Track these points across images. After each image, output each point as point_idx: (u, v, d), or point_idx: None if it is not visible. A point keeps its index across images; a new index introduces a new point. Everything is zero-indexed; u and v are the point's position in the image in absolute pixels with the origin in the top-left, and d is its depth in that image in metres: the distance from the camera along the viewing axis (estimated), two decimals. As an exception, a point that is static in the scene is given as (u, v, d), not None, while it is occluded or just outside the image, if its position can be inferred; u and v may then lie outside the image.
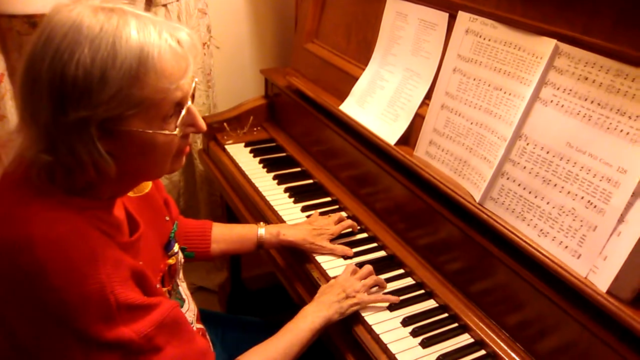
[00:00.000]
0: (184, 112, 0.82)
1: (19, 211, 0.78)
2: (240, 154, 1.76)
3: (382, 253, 1.35)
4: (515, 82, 1.10)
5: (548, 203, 1.02)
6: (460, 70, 1.22)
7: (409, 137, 1.36)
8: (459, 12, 1.21)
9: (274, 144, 1.83)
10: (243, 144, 1.82)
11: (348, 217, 1.46)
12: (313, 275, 1.28)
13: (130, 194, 1.02)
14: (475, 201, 1.14)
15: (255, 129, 1.91)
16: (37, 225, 0.76)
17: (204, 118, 1.87)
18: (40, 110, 0.74)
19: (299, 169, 1.69)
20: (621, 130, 0.92)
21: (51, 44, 0.72)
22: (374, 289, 1.21)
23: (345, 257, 1.32)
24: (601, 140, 0.95)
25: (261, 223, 1.36)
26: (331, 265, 1.29)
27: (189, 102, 0.84)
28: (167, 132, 0.80)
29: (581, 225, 0.96)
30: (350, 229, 1.39)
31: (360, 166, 1.48)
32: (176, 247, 1.14)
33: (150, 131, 0.78)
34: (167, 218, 1.14)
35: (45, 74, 0.72)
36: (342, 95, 1.57)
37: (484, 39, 1.17)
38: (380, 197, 1.42)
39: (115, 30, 0.73)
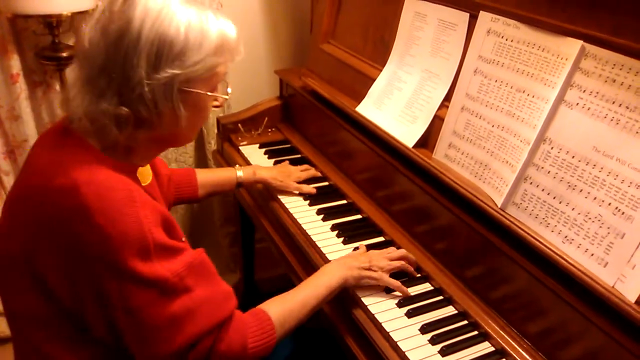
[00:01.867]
0: (224, 86, 0.99)
1: (65, 163, 0.87)
2: (255, 155, 1.75)
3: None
4: (539, 84, 1.07)
5: (573, 209, 0.99)
6: (481, 72, 1.19)
7: (427, 140, 1.34)
8: (481, 12, 1.18)
9: (288, 146, 1.81)
10: (257, 145, 1.81)
11: (363, 219, 1.44)
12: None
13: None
14: (497, 206, 1.11)
15: (270, 130, 1.90)
16: (80, 172, 0.85)
17: (218, 119, 1.88)
18: (135, 66, 0.84)
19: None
20: (651, 135, 0.89)
21: (150, 11, 0.84)
22: None
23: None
24: (629, 145, 0.91)
25: (237, 165, 1.55)
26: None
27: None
28: (223, 95, 0.98)
29: (608, 233, 0.93)
30: (313, 174, 1.60)
31: (376, 168, 1.46)
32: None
33: (210, 94, 0.93)
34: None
35: (146, 35, 0.83)
36: (359, 97, 1.54)
37: (506, 39, 1.14)
38: (397, 200, 1.40)
39: (199, 11, 0.88)
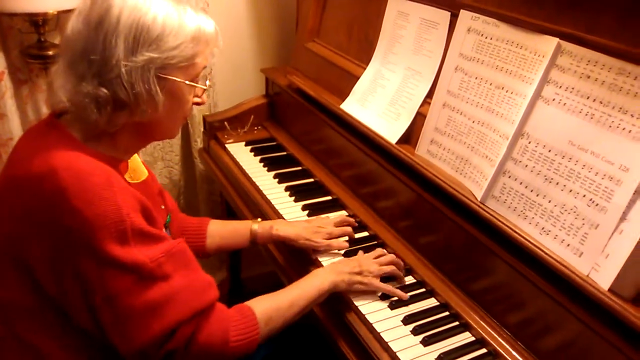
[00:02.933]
0: (203, 80, 1.02)
1: (45, 151, 0.89)
2: (241, 153, 1.76)
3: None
4: (518, 80, 1.10)
5: (550, 201, 1.02)
6: (462, 69, 1.22)
7: (410, 136, 1.36)
8: (461, 10, 1.21)
9: (274, 143, 1.83)
10: (244, 143, 1.82)
11: (349, 215, 1.46)
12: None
13: (129, 179, 1.08)
14: (477, 200, 1.14)
15: (256, 128, 1.91)
16: (59, 158, 0.87)
17: (205, 117, 1.89)
18: (113, 48, 0.87)
19: (299, 168, 1.69)
20: (623, 129, 0.92)
21: (129, 1, 0.88)
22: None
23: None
24: (603, 139, 0.95)
25: (258, 219, 1.36)
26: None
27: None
28: (200, 85, 0.99)
29: (583, 224, 0.96)
30: (348, 233, 1.36)
31: (361, 165, 1.48)
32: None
33: (188, 82, 0.95)
34: (163, 207, 1.19)
35: (125, 19, 0.87)
36: (343, 94, 1.57)
37: (486, 37, 1.17)
38: (381, 196, 1.42)
39: (177, 4, 0.91)
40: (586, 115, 0.98)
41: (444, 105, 1.26)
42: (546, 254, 0.99)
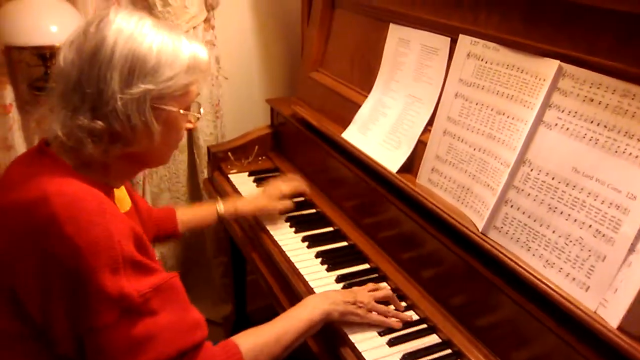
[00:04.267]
0: (196, 108, 1.02)
1: (37, 178, 0.88)
2: (244, 184, 1.73)
3: (384, 285, 1.29)
4: (519, 105, 1.05)
5: (554, 232, 0.96)
6: (462, 95, 1.18)
7: (412, 165, 1.32)
8: (460, 35, 1.18)
9: (277, 174, 1.80)
10: (247, 173, 1.80)
11: (349, 246, 1.42)
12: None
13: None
14: (478, 231, 1.08)
15: (260, 158, 1.89)
16: (51, 185, 0.86)
17: (209, 147, 1.88)
18: (108, 80, 0.86)
19: (302, 199, 1.65)
20: (630, 154, 0.86)
21: (123, 30, 0.87)
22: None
23: (329, 269, 1.33)
24: (609, 165, 0.89)
25: (218, 199, 1.52)
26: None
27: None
28: (195, 114, 1.00)
29: (589, 256, 0.90)
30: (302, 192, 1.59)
31: (363, 195, 1.44)
32: None
33: (183, 111, 0.94)
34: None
35: (119, 51, 0.86)
36: (347, 124, 1.54)
37: (486, 62, 1.13)
38: (383, 226, 1.37)
39: (171, 32, 0.92)
40: (590, 140, 0.92)
41: (444, 132, 1.22)
42: (551, 288, 0.93)
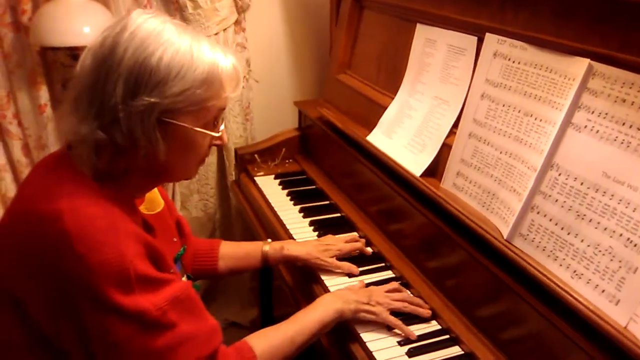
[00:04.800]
0: (222, 123, 0.95)
1: (53, 190, 0.85)
2: (269, 186, 1.72)
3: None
4: (547, 107, 1.00)
5: (582, 241, 0.90)
6: (488, 96, 1.14)
7: (436, 168, 1.27)
8: (487, 34, 1.13)
9: (304, 177, 1.78)
10: (273, 175, 1.79)
11: (372, 253, 1.38)
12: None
13: (144, 210, 1.06)
14: (502, 238, 1.03)
15: (287, 161, 1.88)
16: (64, 199, 0.83)
17: (236, 149, 1.88)
18: (112, 91, 0.82)
19: (327, 202, 1.63)
20: (665, 158, 0.80)
21: (136, 37, 0.83)
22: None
23: (351, 276, 1.29)
24: (642, 170, 0.83)
25: (269, 240, 1.35)
26: (336, 284, 1.25)
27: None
28: (211, 132, 0.91)
29: (620, 267, 0.84)
30: (359, 251, 1.37)
31: (387, 200, 1.40)
32: (183, 275, 1.14)
33: (198, 129, 0.88)
34: (175, 239, 1.16)
35: (127, 61, 0.82)
36: (372, 127, 1.50)
37: (513, 61, 1.08)
38: (407, 233, 1.33)
39: (192, 41, 0.86)
40: (622, 143, 0.86)
41: (470, 135, 1.17)
42: (578, 301, 0.87)
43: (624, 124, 0.86)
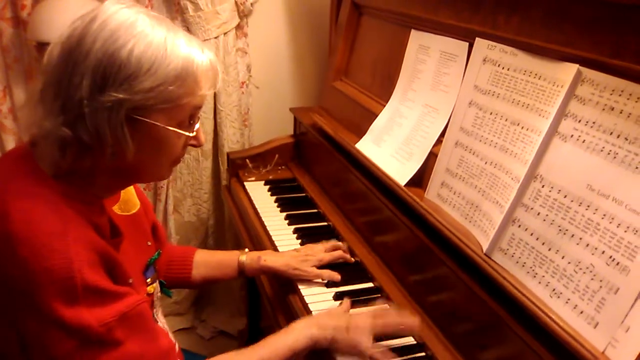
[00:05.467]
0: (197, 122, 0.89)
1: (5, 187, 0.80)
2: (257, 191, 1.68)
3: (385, 306, 1.19)
4: (534, 115, 0.95)
5: (563, 257, 0.84)
6: (476, 104, 1.08)
7: (422, 178, 1.22)
8: (477, 39, 1.08)
9: (294, 184, 1.74)
10: (263, 181, 1.74)
11: (355, 263, 1.32)
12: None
13: (118, 211, 1.01)
14: (482, 252, 0.97)
15: (280, 168, 1.84)
16: (18, 198, 0.78)
17: (228, 153, 1.84)
18: (78, 84, 0.76)
19: (314, 211, 1.58)
20: (652, 171, 0.74)
21: (106, 28, 0.77)
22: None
23: (330, 285, 1.22)
24: (628, 183, 0.77)
25: (246, 250, 1.28)
26: (315, 298, 1.19)
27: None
28: (184, 131, 0.85)
29: (600, 286, 0.77)
30: (340, 256, 1.31)
31: (374, 210, 1.34)
32: (156, 282, 1.08)
33: (171, 128, 0.83)
34: (149, 243, 1.10)
35: (95, 53, 0.76)
36: (364, 134, 1.46)
37: (503, 68, 1.03)
38: (391, 245, 1.27)
39: (167, 34, 0.80)
40: (608, 154, 0.81)
41: (456, 144, 1.12)
42: (555, 322, 0.81)
43: (611, 133, 0.81)
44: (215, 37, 1.94)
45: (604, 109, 0.82)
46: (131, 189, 1.07)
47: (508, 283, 0.89)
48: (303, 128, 1.81)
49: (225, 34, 1.96)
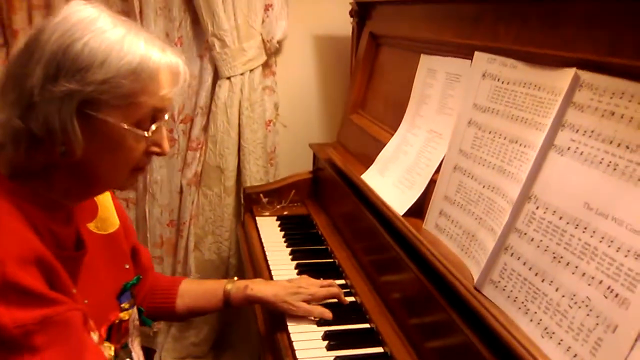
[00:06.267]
0: (155, 126, 0.84)
1: None
2: (268, 226, 1.61)
3: (379, 349, 1.06)
4: (532, 129, 0.83)
5: (557, 289, 0.70)
6: (475, 123, 0.98)
7: (423, 207, 1.11)
8: (476, 52, 0.99)
9: (306, 220, 1.65)
10: (275, 217, 1.68)
11: (353, 303, 1.21)
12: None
13: (94, 229, 0.96)
14: (471, 285, 0.84)
15: (296, 204, 1.76)
16: None
17: (244, 188, 1.80)
18: (31, 74, 0.75)
19: (322, 247, 1.48)
20: (656, 182, 0.61)
21: (66, 22, 0.77)
22: None
23: (321, 324, 1.12)
24: (629, 198, 0.64)
25: (235, 278, 1.19)
26: (302, 336, 1.09)
27: (163, 123, 0.86)
28: (139, 131, 0.81)
29: (597, 324, 0.63)
30: (336, 299, 1.19)
31: (378, 247, 1.23)
32: (133, 308, 1.01)
33: (125, 126, 0.79)
34: (127, 266, 1.04)
35: (51, 44, 0.75)
36: (376, 167, 1.37)
37: (502, 82, 0.93)
38: (392, 284, 1.15)
39: (127, 33, 0.79)
40: (608, 166, 0.68)
41: (455, 168, 1.01)
42: (546, 367, 0.67)
43: (611, 142, 0.69)
44: (241, 74, 1.95)
45: (603, 115, 0.70)
46: (111, 207, 1.03)
47: (496, 322, 0.76)
48: (321, 164, 1.74)
49: (251, 70, 1.97)
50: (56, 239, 0.82)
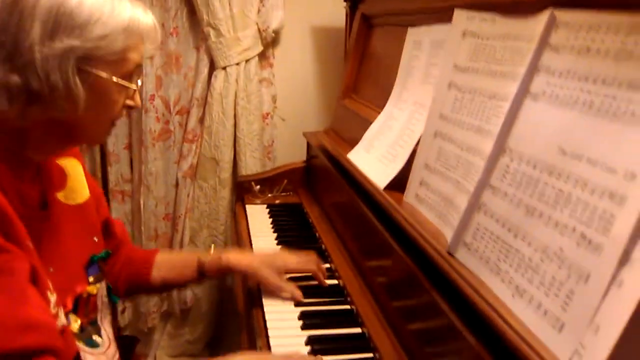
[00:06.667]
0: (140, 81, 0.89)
1: None
2: (257, 214, 1.57)
3: (357, 330, 1.00)
4: (509, 82, 0.77)
5: (530, 244, 0.64)
6: (455, 85, 0.92)
7: (404, 180, 1.04)
8: (455, 10, 0.94)
9: (297, 208, 1.60)
10: (266, 205, 1.63)
11: (336, 286, 1.15)
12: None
13: (62, 199, 0.94)
14: (444, 250, 0.78)
15: (288, 193, 1.71)
16: None
17: (239, 177, 1.75)
18: (28, 31, 0.75)
19: (309, 234, 1.42)
20: (632, 113, 0.55)
21: None
22: None
23: (298, 304, 1.08)
24: (603, 135, 0.58)
25: (212, 246, 1.21)
26: (277, 315, 1.05)
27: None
28: (126, 83, 0.84)
29: (568, 275, 0.57)
30: (314, 276, 1.16)
31: (369, 234, 1.15)
32: (101, 282, 0.98)
33: (116, 79, 0.82)
34: (96, 239, 1.01)
35: (43, 2, 0.75)
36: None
37: (483, 39, 0.87)
38: (379, 269, 1.08)
39: None
40: (584, 104, 0.62)
41: (435, 134, 0.95)
42: (516, 333, 0.60)
43: (587, 79, 0.62)
44: (237, 64, 1.92)
45: (579, 52, 0.64)
46: (82, 179, 1.00)
47: (467, 285, 0.69)
48: (314, 152, 1.69)
49: (247, 61, 1.93)
50: (20, 196, 0.80)
